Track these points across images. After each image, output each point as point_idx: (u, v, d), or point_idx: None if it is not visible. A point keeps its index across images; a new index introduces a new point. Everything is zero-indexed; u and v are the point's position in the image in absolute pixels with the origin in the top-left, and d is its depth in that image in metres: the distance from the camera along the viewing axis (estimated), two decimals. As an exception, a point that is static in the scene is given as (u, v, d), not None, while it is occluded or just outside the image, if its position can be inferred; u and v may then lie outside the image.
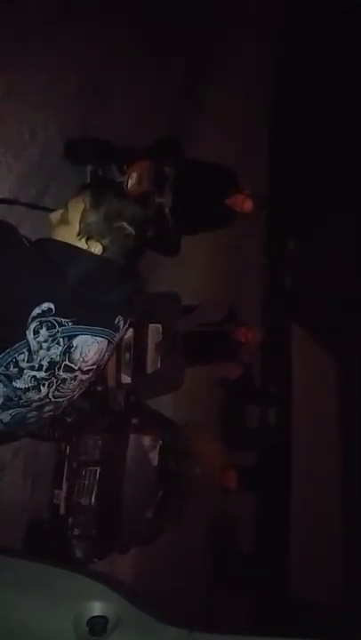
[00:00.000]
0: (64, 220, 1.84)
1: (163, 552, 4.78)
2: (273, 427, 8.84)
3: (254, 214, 4.37)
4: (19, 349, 1.72)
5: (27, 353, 1.73)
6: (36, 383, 1.79)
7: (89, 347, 1.83)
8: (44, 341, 1.74)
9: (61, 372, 1.82)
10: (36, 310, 1.70)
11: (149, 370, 3.95)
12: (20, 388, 1.77)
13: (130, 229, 1.80)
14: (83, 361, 1.84)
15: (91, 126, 4.46)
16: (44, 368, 1.77)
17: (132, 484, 3.63)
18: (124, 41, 5.05)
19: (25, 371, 1.75)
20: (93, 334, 1.83)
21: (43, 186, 3.93)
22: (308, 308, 9.45)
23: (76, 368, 1.84)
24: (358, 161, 8.87)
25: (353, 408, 9.25)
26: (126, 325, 1.98)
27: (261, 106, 9.50)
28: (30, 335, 1.71)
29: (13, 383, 1.76)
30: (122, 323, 1.91)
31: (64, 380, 1.84)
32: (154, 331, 4.00)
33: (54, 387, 1.83)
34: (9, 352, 1.72)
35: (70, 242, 1.81)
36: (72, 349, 1.80)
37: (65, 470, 3.51)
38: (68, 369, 1.82)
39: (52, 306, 1.71)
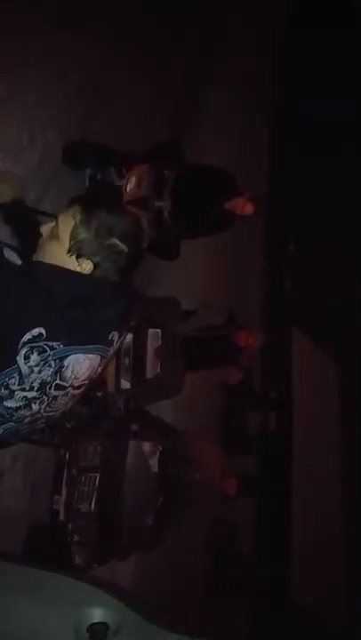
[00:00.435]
0: (54, 235, 1.77)
1: (163, 557, 4.75)
2: (273, 431, 8.81)
3: (254, 217, 4.36)
4: (9, 374, 1.71)
5: (17, 377, 1.72)
6: (27, 402, 1.78)
7: (80, 364, 1.81)
8: (35, 365, 1.72)
9: (52, 391, 1.80)
10: (27, 336, 1.68)
11: (149, 375, 3.93)
12: (11, 407, 1.77)
13: (122, 246, 1.73)
14: (74, 378, 1.82)
15: (90, 130, 4.46)
16: (35, 389, 1.76)
17: (131, 490, 3.62)
18: (124, 42, 5.05)
19: (16, 392, 1.74)
20: (85, 352, 1.81)
21: (42, 190, 3.92)
22: (308, 312, 9.44)
23: (68, 385, 1.82)
24: (359, 162, 8.86)
25: (354, 412, 9.22)
26: (122, 338, 1.96)
27: (261, 106, 9.50)
28: (21, 360, 1.70)
29: (4, 403, 1.75)
30: (116, 337, 1.88)
31: (55, 396, 1.82)
32: (153, 335, 3.99)
33: (45, 404, 1.82)
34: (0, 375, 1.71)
35: (60, 258, 1.75)
36: (63, 369, 1.78)
37: (64, 476, 3.50)
38: (60, 387, 1.81)
39: (42, 331, 1.68)
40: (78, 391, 1.87)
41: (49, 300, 1.70)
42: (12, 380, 1.71)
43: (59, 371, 1.77)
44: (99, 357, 1.85)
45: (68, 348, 1.75)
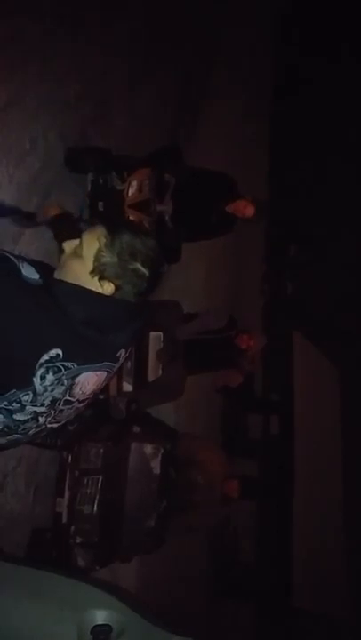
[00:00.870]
0: (77, 254, 1.78)
1: (165, 560, 4.77)
2: (275, 434, 8.82)
3: (255, 220, 4.37)
4: (24, 390, 1.74)
5: (32, 394, 1.75)
6: (35, 416, 1.81)
7: (89, 380, 1.85)
8: (50, 385, 1.75)
9: (61, 406, 1.84)
10: (45, 357, 1.71)
11: (151, 378, 3.94)
12: (19, 420, 1.80)
13: (144, 270, 1.75)
14: (82, 393, 1.86)
15: (91, 134, 4.48)
16: (46, 405, 1.80)
17: (133, 493, 3.63)
18: (125, 48, 5.08)
19: (27, 407, 1.77)
20: (95, 370, 1.84)
21: (43, 195, 3.93)
22: (309, 315, 9.46)
23: (74, 400, 1.86)
24: (358, 167, 8.89)
25: (355, 415, 9.24)
26: (127, 354, 1.98)
27: (261, 110, 9.53)
28: (37, 381, 1.73)
29: (14, 416, 1.78)
30: (123, 353, 1.91)
31: (61, 410, 1.86)
32: (155, 339, 4.00)
33: (51, 417, 1.85)
34: (14, 392, 1.74)
35: (83, 278, 1.76)
36: (74, 386, 1.82)
37: (67, 478, 3.50)
38: (68, 402, 1.85)
39: (59, 352, 1.72)
40: (83, 404, 1.91)
41: (67, 321, 1.72)
42: (26, 397, 1.75)
43: (69, 388, 1.81)
44: (105, 373, 1.89)
45: (81, 367, 1.79)
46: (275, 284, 9.83)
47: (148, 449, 3.68)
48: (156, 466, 3.67)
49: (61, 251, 1.82)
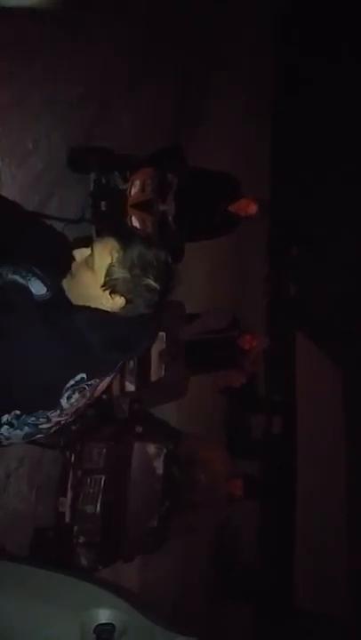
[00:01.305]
0: (89, 265, 1.78)
1: (167, 559, 4.76)
2: (277, 435, 8.81)
3: (258, 220, 4.38)
4: (52, 410, 1.83)
5: (58, 411, 1.84)
6: (58, 422, 1.90)
7: (103, 384, 1.95)
8: (75, 401, 1.84)
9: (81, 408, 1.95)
10: (71, 382, 1.79)
11: (153, 378, 3.94)
12: (44, 428, 1.88)
13: (155, 285, 1.75)
14: (98, 392, 1.96)
15: (93, 135, 4.48)
16: (70, 414, 1.90)
17: (136, 492, 3.63)
18: (127, 48, 5.08)
19: (53, 419, 1.86)
20: (110, 376, 1.96)
21: (46, 194, 3.94)
22: (312, 315, 9.44)
23: (90, 401, 1.96)
24: (359, 166, 8.88)
25: (358, 416, 9.23)
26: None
27: (263, 110, 9.53)
28: (64, 401, 1.81)
29: (40, 427, 1.87)
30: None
31: (78, 409, 1.95)
32: (158, 339, 3.99)
33: (68, 417, 1.94)
34: (42, 412, 1.82)
35: (93, 291, 1.77)
36: (95, 393, 1.92)
37: (70, 478, 3.51)
38: (86, 405, 1.95)
39: (84, 375, 1.80)
40: (92, 401, 1.98)
41: (89, 350, 1.77)
42: (54, 414, 1.84)
43: (92, 396, 1.91)
44: (114, 373, 2.01)
45: (103, 378, 1.90)
46: (277, 285, 9.82)
47: (151, 449, 3.69)
48: (158, 466, 3.68)
49: (72, 257, 1.81)
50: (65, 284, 1.82)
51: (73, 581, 2.00)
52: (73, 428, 3.34)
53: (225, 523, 6.66)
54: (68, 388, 1.78)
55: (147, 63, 5.34)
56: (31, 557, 3.43)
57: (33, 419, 1.81)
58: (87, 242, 1.83)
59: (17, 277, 1.78)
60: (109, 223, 3.87)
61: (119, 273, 1.74)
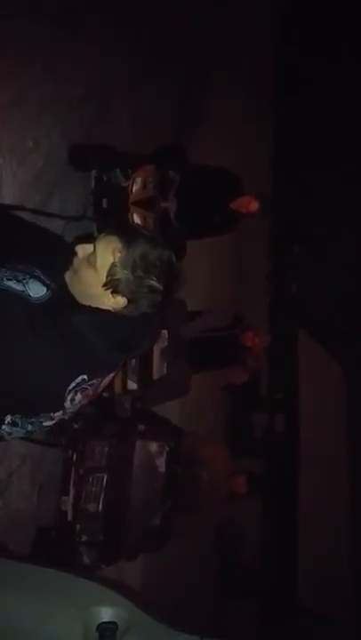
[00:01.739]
0: (91, 263, 1.75)
1: (170, 557, 4.76)
2: (280, 432, 8.81)
3: (259, 218, 4.37)
4: (55, 411, 1.83)
5: (61, 411, 1.83)
6: (61, 419, 1.89)
7: (109, 379, 1.95)
8: (78, 401, 1.82)
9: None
10: (72, 384, 1.77)
11: (155, 376, 3.94)
12: (47, 425, 1.88)
13: (158, 286, 1.72)
14: (101, 387, 1.94)
15: (94, 133, 4.47)
16: (73, 411, 1.88)
17: (138, 491, 3.63)
18: (127, 47, 5.08)
19: (56, 418, 1.86)
20: (115, 371, 1.97)
21: (47, 192, 3.94)
22: (314, 313, 9.44)
23: (93, 397, 1.95)
24: (360, 166, 8.89)
25: (360, 413, 9.23)
26: None
27: (264, 108, 9.53)
28: (67, 403, 1.80)
29: (43, 424, 1.86)
30: None
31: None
32: (160, 337, 3.99)
33: (71, 414, 1.93)
34: (45, 414, 1.83)
35: (95, 289, 1.75)
36: (97, 390, 1.91)
37: (72, 477, 3.51)
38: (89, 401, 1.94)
39: (85, 376, 1.78)
40: (94, 397, 1.98)
41: (90, 352, 1.76)
42: (57, 414, 1.84)
43: (94, 393, 1.89)
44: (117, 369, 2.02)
45: (105, 377, 1.89)
46: (279, 283, 9.81)
47: (153, 447, 3.68)
48: (160, 464, 3.68)
49: (74, 253, 1.79)
50: (67, 278, 1.79)
51: (75, 580, 1.99)
52: (75, 426, 3.35)
53: (227, 522, 6.67)
54: (70, 391, 1.77)
55: (147, 63, 5.33)
56: (33, 556, 3.43)
57: (35, 419, 1.81)
58: (90, 239, 1.80)
59: (12, 283, 1.76)
60: (112, 221, 3.87)
61: (121, 273, 1.71)
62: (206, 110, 6.92)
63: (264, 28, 9.31)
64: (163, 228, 4.02)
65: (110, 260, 1.72)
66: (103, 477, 3.50)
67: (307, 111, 9.31)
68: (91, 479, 3.49)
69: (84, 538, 3.46)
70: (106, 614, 1.82)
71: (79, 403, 1.83)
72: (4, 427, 1.81)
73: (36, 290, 1.77)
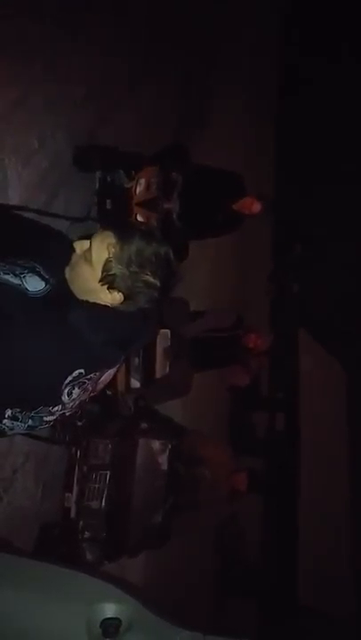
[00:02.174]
0: (87, 259, 1.75)
1: (171, 555, 4.78)
2: (280, 432, 8.82)
3: (261, 218, 4.39)
4: (53, 405, 1.82)
5: (60, 406, 1.83)
6: (62, 415, 1.89)
7: (110, 374, 1.94)
8: (77, 396, 1.83)
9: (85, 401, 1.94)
10: (69, 378, 1.77)
11: (158, 375, 3.96)
12: (48, 420, 1.88)
13: (153, 281, 1.72)
14: (102, 384, 1.95)
15: (98, 134, 4.49)
16: (74, 407, 1.89)
17: (141, 488, 3.66)
18: (130, 47, 5.10)
19: (56, 413, 1.85)
20: (114, 367, 1.94)
21: (51, 193, 3.96)
22: (315, 313, 9.45)
23: (94, 392, 1.95)
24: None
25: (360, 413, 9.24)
26: None
27: (267, 108, 9.53)
28: (65, 397, 1.80)
29: (44, 419, 1.86)
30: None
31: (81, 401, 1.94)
32: (162, 336, 4.01)
33: (72, 410, 1.93)
34: (43, 408, 1.82)
35: (92, 285, 1.76)
36: (97, 385, 1.91)
37: (75, 474, 3.53)
38: (89, 397, 1.94)
39: (82, 370, 1.78)
40: (96, 393, 1.98)
41: (86, 345, 1.76)
42: (56, 408, 1.83)
43: (94, 389, 1.90)
44: (118, 366, 1.99)
45: (103, 372, 1.88)
46: (281, 283, 9.82)
47: (156, 445, 3.70)
48: (163, 462, 3.70)
49: (72, 249, 1.81)
50: (67, 274, 1.80)
51: (79, 576, 2.02)
52: (79, 424, 3.37)
53: (228, 522, 6.69)
54: (67, 384, 1.77)
55: (147, 63, 5.34)
56: (37, 553, 3.45)
57: (34, 413, 1.81)
58: (89, 236, 1.81)
59: (9, 277, 1.76)
60: (114, 221, 3.89)
61: (116, 269, 1.71)
62: (207, 111, 6.93)
63: (264, 28, 9.30)
64: (166, 229, 4.04)
65: (105, 255, 1.72)
66: (106, 475, 3.52)
67: (308, 111, 9.31)
68: (94, 476, 3.51)
69: (86, 535, 3.48)
70: (109, 610, 1.85)
71: (78, 398, 1.83)
72: (4, 421, 1.81)
73: (34, 284, 1.77)
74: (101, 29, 4.71)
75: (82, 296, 1.79)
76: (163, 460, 3.73)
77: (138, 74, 5.20)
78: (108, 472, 3.50)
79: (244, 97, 8.25)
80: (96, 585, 1.98)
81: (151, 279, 1.72)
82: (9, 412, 1.79)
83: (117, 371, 2.16)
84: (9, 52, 3.62)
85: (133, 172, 4.04)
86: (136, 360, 3.81)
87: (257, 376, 6.82)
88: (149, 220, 4.04)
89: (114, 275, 1.72)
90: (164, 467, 3.70)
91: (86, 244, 1.76)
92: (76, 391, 1.80)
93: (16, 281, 1.76)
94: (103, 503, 3.47)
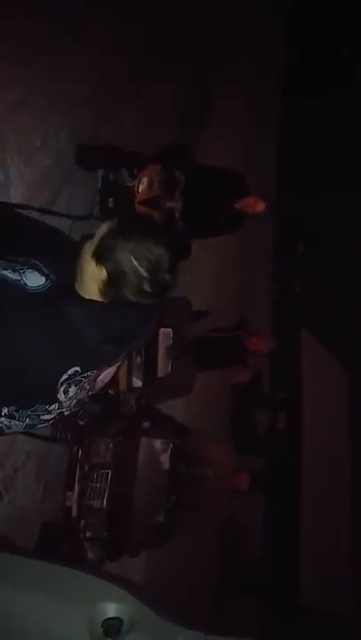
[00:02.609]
0: (93, 256, 1.75)
1: (173, 554, 4.78)
2: (282, 431, 8.83)
3: (263, 218, 4.38)
4: (50, 404, 1.82)
5: (57, 404, 1.82)
6: (60, 414, 1.88)
7: (109, 373, 1.93)
8: (74, 395, 1.82)
9: (84, 400, 1.94)
10: (64, 377, 1.76)
11: (160, 374, 3.95)
12: (46, 419, 1.87)
13: (142, 271, 1.70)
14: (101, 383, 1.94)
15: (101, 133, 4.49)
16: (72, 406, 1.88)
17: (143, 487, 3.64)
18: (134, 47, 5.10)
19: (54, 412, 1.85)
20: (113, 365, 1.93)
21: (54, 191, 3.96)
22: (317, 313, 9.45)
23: (95, 391, 1.95)
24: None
25: (362, 413, 9.25)
26: None
27: (270, 109, 9.53)
28: (61, 396, 1.80)
29: (41, 417, 1.86)
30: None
31: (80, 400, 1.93)
32: (164, 335, 4.00)
33: (70, 409, 1.92)
34: (40, 406, 1.82)
35: (94, 284, 1.76)
36: (95, 384, 1.90)
37: (77, 473, 3.52)
38: (90, 395, 1.95)
39: (78, 368, 1.77)
40: (95, 392, 1.97)
41: (83, 342, 1.75)
42: (53, 407, 1.83)
43: (92, 387, 1.89)
44: (121, 362, 1.99)
45: (101, 370, 1.87)
46: (283, 283, 9.82)
47: (158, 444, 3.69)
48: (165, 461, 3.69)
49: (71, 246, 1.84)
50: (77, 275, 1.80)
51: (81, 576, 2.01)
52: (80, 423, 3.37)
53: (229, 522, 6.68)
54: (63, 382, 1.76)
55: (147, 63, 5.35)
56: (39, 552, 3.45)
57: (31, 412, 1.81)
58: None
59: (8, 273, 1.76)
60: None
61: (110, 241, 1.71)
62: (207, 110, 6.93)
63: (265, 28, 9.30)
64: (168, 228, 4.03)
65: (104, 231, 1.74)
66: (108, 474, 3.51)
67: (308, 111, 9.32)
68: (95, 475, 3.50)
69: (88, 534, 3.47)
70: (111, 610, 1.84)
71: (75, 397, 1.82)
72: (1, 419, 1.81)
73: (34, 280, 1.76)
74: (101, 29, 4.71)
75: (88, 296, 1.78)
76: (164, 459, 3.72)
77: (138, 74, 5.20)
78: (110, 471, 3.49)
79: (244, 97, 8.25)
80: (97, 584, 1.97)
81: (140, 269, 1.70)
82: (5, 411, 1.79)
83: (118, 369, 2.14)
84: (9, 51, 3.62)
85: (136, 170, 4.05)
86: (138, 359, 3.79)
87: (258, 375, 6.82)
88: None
89: (106, 245, 1.72)
90: (166, 466, 3.69)
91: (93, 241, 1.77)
92: (73, 389, 1.79)
93: (15, 276, 1.76)
94: (104, 502, 3.46)
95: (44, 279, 1.77)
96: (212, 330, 4.90)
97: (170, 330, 3.94)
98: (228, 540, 7.00)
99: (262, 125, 9.34)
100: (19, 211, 2.97)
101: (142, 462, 3.63)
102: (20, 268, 1.78)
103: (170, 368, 3.98)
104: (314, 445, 8.69)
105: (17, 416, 1.81)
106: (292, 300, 9.81)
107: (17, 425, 1.84)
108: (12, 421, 1.82)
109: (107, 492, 3.47)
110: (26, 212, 3.26)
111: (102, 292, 1.74)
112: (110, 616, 1.84)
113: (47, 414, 1.84)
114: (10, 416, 1.80)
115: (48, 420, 1.88)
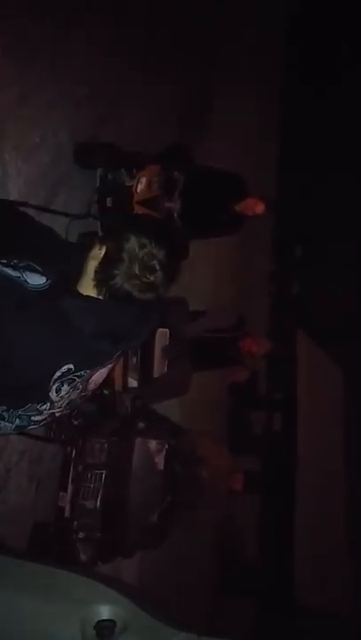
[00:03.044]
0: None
1: (167, 555, 4.77)
2: (278, 432, 8.83)
3: (262, 219, 4.38)
4: (42, 403, 1.80)
5: (49, 404, 1.81)
6: (51, 414, 1.87)
7: (101, 374, 1.91)
8: (66, 394, 1.80)
9: (76, 400, 1.91)
10: (57, 374, 1.75)
11: (156, 374, 3.94)
12: (36, 420, 1.86)
13: (133, 269, 1.70)
14: (94, 385, 1.93)
15: (101, 132, 4.48)
16: (63, 407, 1.86)
17: (137, 488, 3.64)
18: (135, 46, 5.09)
19: (45, 412, 1.83)
20: (107, 366, 1.91)
21: (52, 189, 3.95)
22: (314, 314, 9.45)
23: (88, 393, 1.94)
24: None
25: (358, 413, 9.23)
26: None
27: (271, 109, 9.51)
28: (53, 394, 1.78)
29: (32, 418, 1.84)
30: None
31: (75, 401, 1.92)
32: (161, 335, 3.99)
33: (63, 409, 1.90)
34: (31, 405, 1.79)
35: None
36: (88, 385, 1.88)
37: (71, 473, 3.51)
38: (82, 397, 1.92)
39: (71, 366, 1.75)
40: (88, 393, 1.95)
41: (77, 338, 1.74)
42: (44, 407, 1.81)
43: (85, 389, 1.87)
44: (114, 363, 1.96)
45: (94, 370, 1.85)
46: (282, 284, 9.82)
47: (153, 445, 3.69)
48: (160, 461, 3.68)
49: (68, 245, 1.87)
50: (74, 276, 1.80)
51: (74, 577, 2.00)
52: (75, 423, 3.35)
53: (226, 522, 6.68)
54: (56, 380, 1.74)
55: (147, 63, 5.33)
56: (31, 552, 3.43)
57: (22, 411, 1.79)
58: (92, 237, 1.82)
59: (9, 270, 1.76)
60: (115, 218, 3.88)
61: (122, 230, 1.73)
62: (207, 111, 6.92)
63: (265, 28, 9.28)
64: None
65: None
66: (102, 474, 3.51)
67: (309, 111, 9.31)
68: (89, 476, 3.50)
69: (81, 534, 3.46)
70: (104, 612, 1.83)
71: (67, 396, 1.81)
72: None
73: (35, 279, 1.76)
74: (101, 29, 4.70)
75: (82, 289, 1.78)
76: (160, 459, 3.71)
77: (138, 74, 5.19)
78: (104, 471, 3.48)
79: (244, 97, 8.24)
80: (90, 586, 1.96)
81: (131, 267, 1.70)
82: None
83: (113, 370, 2.12)
84: (9, 51, 3.61)
85: (135, 170, 4.03)
86: (134, 359, 3.79)
87: (255, 376, 6.82)
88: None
89: (109, 234, 1.74)
90: (161, 466, 3.69)
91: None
92: (65, 388, 1.77)
93: (15, 274, 1.76)
94: (98, 503, 3.45)
95: (44, 279, 1.78)
96: (210, 330, 4.89)
97: (166, 330, 3.93)
98: (225, 540, 7.01)
99: (262, 125, 9.33)
100: (19, 209, 2.97)
101: (137, 463, 3.63)
102: (21, 267, 1.78)
103: (166, 368, 3.98)
104: (310, 446, 8.69)
105: (6, 417, 1.79)
106: (290, 300, 9.81)
107: (6, 427, 1.83)
108: (2, 422, 1.81)
109: (100, 493, 3.46)
110: (23, 209, 3.26)
111: (96, 276, 1.73)
112: (103, 618, 1.82)
113: (38, 415, 1.82)
114: (0, 417, 1.79)
115: (39, 422, 1.86)
